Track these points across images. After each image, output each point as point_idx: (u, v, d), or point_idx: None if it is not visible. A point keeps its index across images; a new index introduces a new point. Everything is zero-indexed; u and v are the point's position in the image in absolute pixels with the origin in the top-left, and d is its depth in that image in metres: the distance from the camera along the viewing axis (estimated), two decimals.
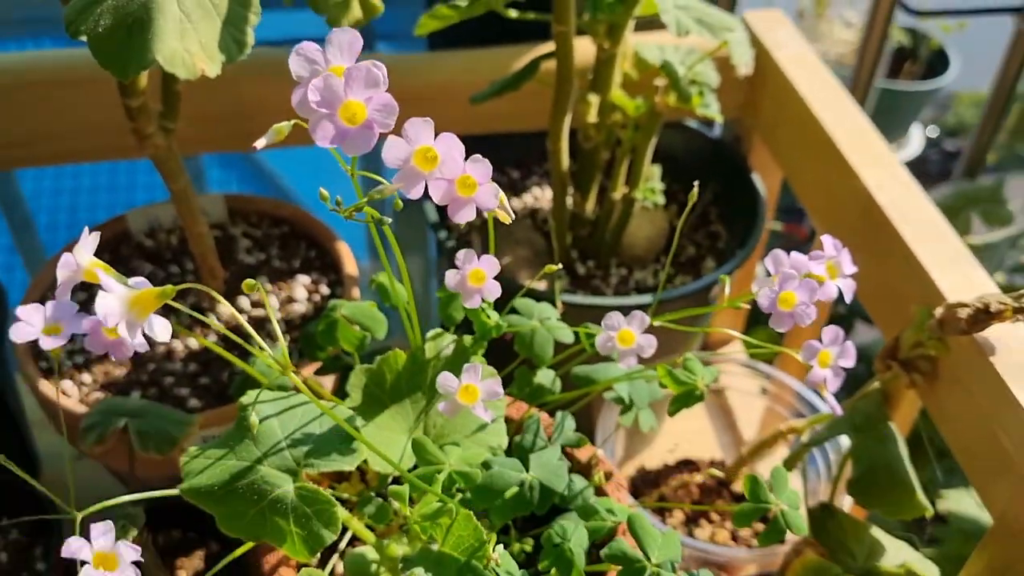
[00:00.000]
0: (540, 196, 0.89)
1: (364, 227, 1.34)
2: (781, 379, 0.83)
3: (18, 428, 0.85)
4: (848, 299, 0.51)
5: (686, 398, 0.58)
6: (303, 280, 0.79)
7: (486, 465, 0.51)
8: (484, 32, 0.81)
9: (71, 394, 0.71)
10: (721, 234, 0.87)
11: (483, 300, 0.48)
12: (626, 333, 0.54)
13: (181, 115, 0.65)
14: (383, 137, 0.36)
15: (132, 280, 0.38)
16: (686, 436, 0.89)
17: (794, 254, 0.52)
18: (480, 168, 0.37)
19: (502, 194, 0.38)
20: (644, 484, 0.80)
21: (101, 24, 0.45)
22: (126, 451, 0.68)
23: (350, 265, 0.78)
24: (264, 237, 0.83)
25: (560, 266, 0.55)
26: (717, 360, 0.86)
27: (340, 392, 0.65)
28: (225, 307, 0.76)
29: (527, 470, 0.52)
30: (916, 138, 2.06)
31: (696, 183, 0.53)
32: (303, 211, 0.83)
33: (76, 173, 1.54)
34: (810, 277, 0.50)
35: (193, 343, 0.74)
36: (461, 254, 0.47)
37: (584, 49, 0.71)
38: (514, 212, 0.51)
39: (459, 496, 0.49)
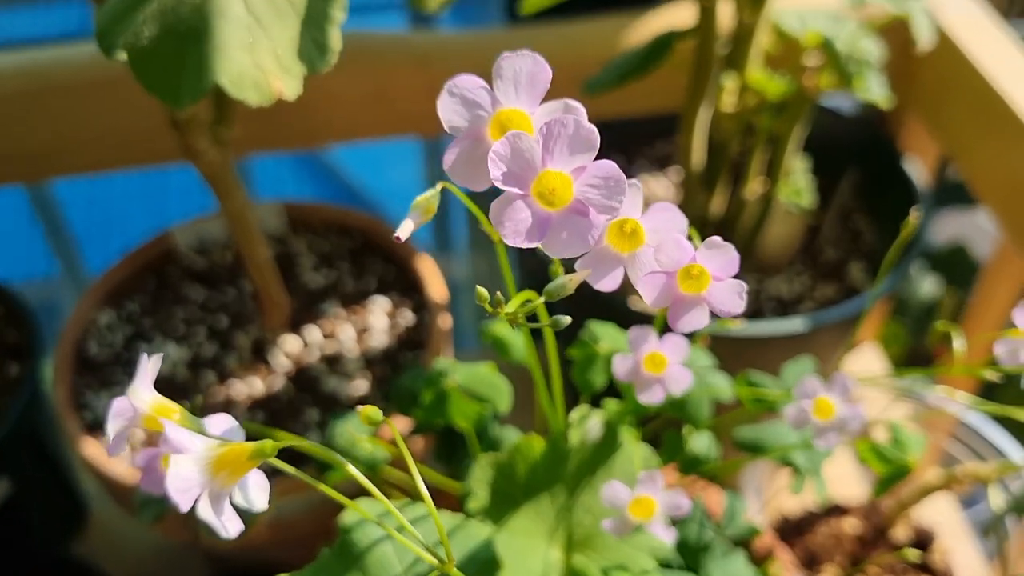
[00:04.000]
0: (650, 190, 0.76)
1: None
2: (936, 403, 0.71)
3: (59, 471, 0.74)
4: None
5: (895, 477, 0.46)
6: (382, 303, 0.67)
7: None
8: None
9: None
10: (864, 232, 0.73)
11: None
12: (824, 403, 0.42)
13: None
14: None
15: (214, 424, 0.27)
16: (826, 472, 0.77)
17: None
18: (717, 256, 0.24)
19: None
20: (787, 534, 0.68)
21: (145, 36, 0.33)
22: (188, 527, 0.57)
23: (436, 286, 0.66)
24: (332, 251, 0.71)
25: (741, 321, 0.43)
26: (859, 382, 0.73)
27: (439, 455, 0.53)
28: (294, 341, 0.65)
29: None
30: None
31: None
32: (375, 220, 0.71)
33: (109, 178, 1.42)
34: None
35: (258, 386, 0.63)
36: (634, 333, 0.34)
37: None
38: None
39: None
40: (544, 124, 0.21)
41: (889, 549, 0.68)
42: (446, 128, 0.23)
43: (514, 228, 0.21)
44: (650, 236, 0.25)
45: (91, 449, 0.59)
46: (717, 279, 0.25)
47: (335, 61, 0.37)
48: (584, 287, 0.26)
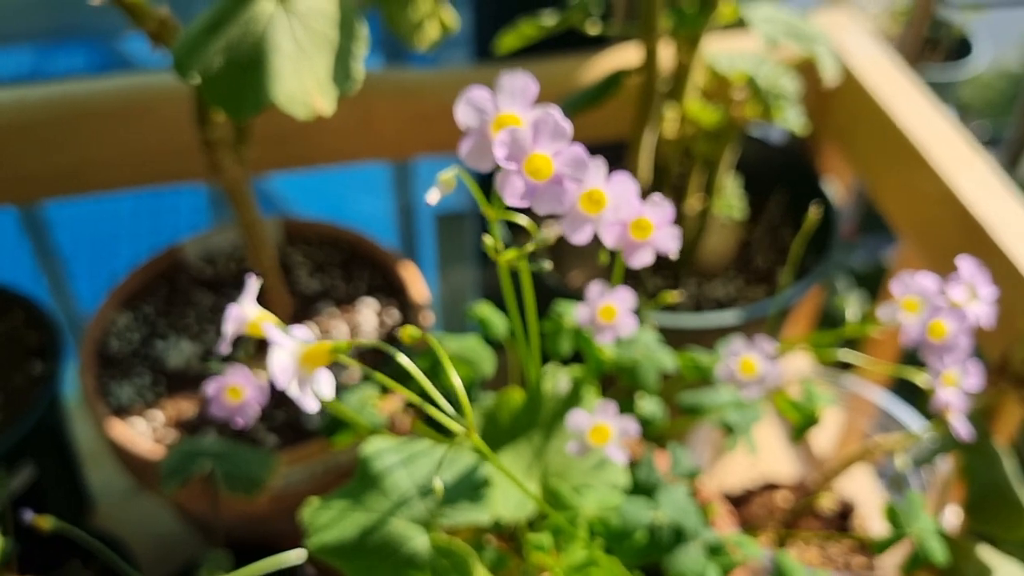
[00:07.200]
0: None
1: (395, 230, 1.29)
2: (859, 390, 0.81)
3: (69, 464, 0.82)
4: (988, 325, 0.49)
5: (806, 424, 0.56)
6: (371, 304, 0.76)
7: None
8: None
9: (144, 433, 0.68)
10: (789, 243, 0.84)
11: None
12: (748, 361, 0.52)
13: None
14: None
15: (297, 331, 0.36)
16: (761, 448, 0.88)
17: (919, 277, 0.50)
18: (658, 211, 0.35)
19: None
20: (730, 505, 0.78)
21: (214, 64, 0.42)
22: (207, 495, 0.65)
23: (418, 289, 0.76)
24: (325, 260, 0.80)
25: (680, 294, 0.53)
26: (789, 370, 0.84)
27: (428, 423, 0.62)
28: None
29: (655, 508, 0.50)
30: None
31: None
32: (361, 235, 0.81)
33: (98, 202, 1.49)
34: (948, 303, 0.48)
35: (263, 376, 0.71)
36: (592, 288, 0.44)
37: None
38: None
39: (598, 541, 0.47)
40: (533, 119, 0.31)
41: (816, 518, 0.78)
42: (461, 127, 0.33)
43: (512, 192, 0.31)
44: (610, 199, 0.35)
45: (118, 430, 0.67)
46: (658, 227, 0.35)
47: (359, 87, 0.47)
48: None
